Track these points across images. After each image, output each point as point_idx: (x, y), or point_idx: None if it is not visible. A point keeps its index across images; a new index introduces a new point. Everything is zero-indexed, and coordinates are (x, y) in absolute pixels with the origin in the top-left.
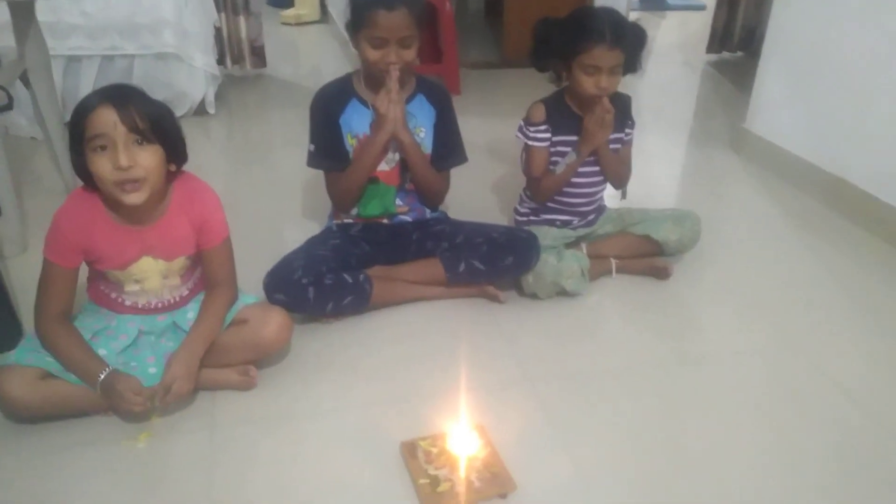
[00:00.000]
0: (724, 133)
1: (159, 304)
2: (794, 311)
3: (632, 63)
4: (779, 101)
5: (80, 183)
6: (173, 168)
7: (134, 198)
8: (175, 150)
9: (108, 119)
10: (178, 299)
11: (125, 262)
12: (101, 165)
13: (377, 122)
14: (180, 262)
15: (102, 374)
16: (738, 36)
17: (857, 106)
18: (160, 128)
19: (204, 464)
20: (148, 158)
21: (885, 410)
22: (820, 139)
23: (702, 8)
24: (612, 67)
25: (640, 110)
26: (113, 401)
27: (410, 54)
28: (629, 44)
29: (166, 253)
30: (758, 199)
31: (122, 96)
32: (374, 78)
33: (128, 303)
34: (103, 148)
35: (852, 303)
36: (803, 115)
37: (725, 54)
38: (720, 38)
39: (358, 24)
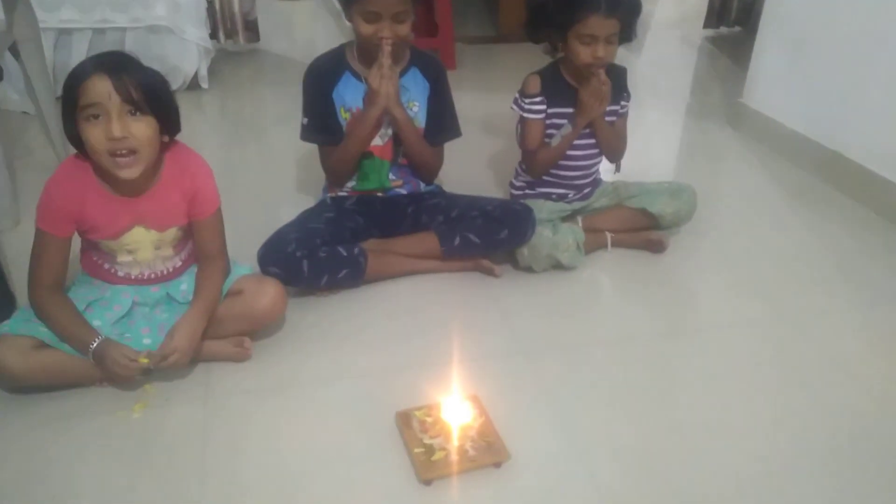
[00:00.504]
0: (720, 108)
1: (152, 275)
2: (789, 284)
3: (627, 32)
4: (775, 76)
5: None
6: (166, 139)
7: (128, 172)
8: (168, 121)
9: (102, 89)
10: (170, 270)
11: (117, 232)
12: (94, 135)
13: (369, 97)
14: (172, 232)
15: (94, 342)
16: (735, 11)
17: (854, 81)
18: (155, 98)
19: (198, 434)
20: (142, 129)
21: (877, 381)
22: (816, 114)
23: None
24: (609, 36)
25: (638, 85)
26: (105, 368)
27: (405, 29)
28: (624, 12)
29: (158, 223)
30: (754, 173)
31: (118, 65)
32: (367, 51)
33: (121, 273)
34: (96, 117)
35: (847, 276)
36: (800, 89)
37: (723, 29)
38: (717, 14)
39: None
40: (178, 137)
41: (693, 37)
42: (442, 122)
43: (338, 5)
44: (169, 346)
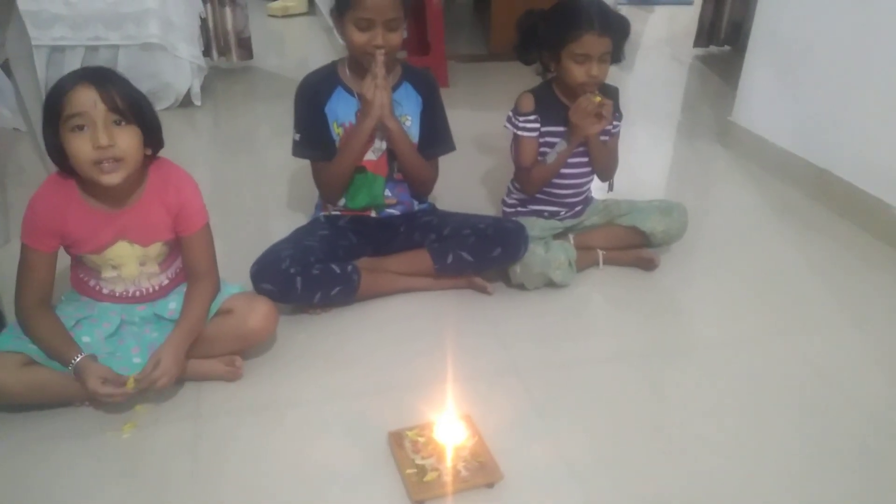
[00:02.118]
0: (711, 126)
1: (137, 293)
2: (780, 301)
3: (617, 52)
4: (765, 95)
5: None
6: (149, 152)
7: (111, 178)
8: (151, 134)
9: (87, 98)
10: (156, 289)
11: (100, 246)
12: (80, 145)
13: (363, 108)
14: (157, 247)
15: (76, 359)
16: (724, 30)
17: (842, 99)
18: (138, 109)
19: (189, 454)
20: (126, 139)
21: (870, 398)
22: (805, 132)
23: (689, 3)
24: (602, 55)
25: (629, 104)
26: (83, 386)
27: (396, 38)
28: (616, 32)
29: (142, 237)
30: (744, 190)
31: (102, 76)
32: (359, 65)
33: (105, 291)
34: (81, 127)
35: (837, 293)
36: (789, 107)
37: (712, 48)
38: (707, 33)
39: (344, 7)
40: (171, 153)
41: (683, 56)
42: (435, 136)
43: (331, 23)
44: (159, 370)
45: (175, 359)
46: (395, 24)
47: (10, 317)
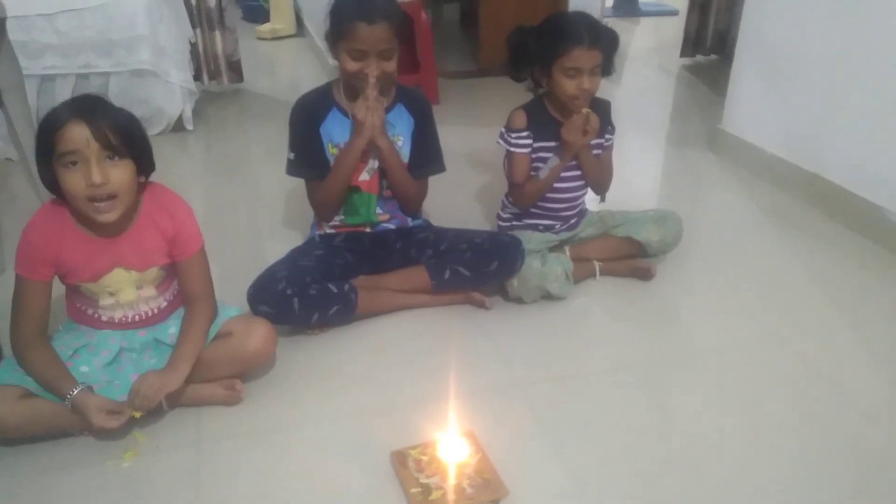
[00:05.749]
0: (701, 134)
1: (136, 317)
2: (777, 306)
3: (607, 65)
4: (753, 102)
5: None
6: (143, 179)
7: (107, 217)
8: (144, 161)
9: (80, 135)
10: (156, 312)
11: (96, 274)
12: (74, 182)
13: (354, 128)
14: (153, 272)
15: (72, 392)
16: (710, 39)
17: (830, 103)
18: (131, 141)
19: (191, 480)
20: (120, 175)
21: (872, 399)
22: (795, 137)
23: (674, 13)
24: (593, 68)
25: (618, 115)
26: (87, 424)
27: (391, 66)
28: (606, 44)
29: (138, 263)
30: (737, 197)
31: (93, 111)
32: (353, 87)
33: (104, 318)
34: (74, 164)
35: (832, 296)
36: (778, 114)
37: (699, 57)
38: (693, 42)
39: (337, 36)
40: (164, 178)
41: (670, 65)
42: (426, 157)
43: (320, 44)
44: (135, 383)
45: (161, 376)
46: (389, 53)
47: (7, 349)
